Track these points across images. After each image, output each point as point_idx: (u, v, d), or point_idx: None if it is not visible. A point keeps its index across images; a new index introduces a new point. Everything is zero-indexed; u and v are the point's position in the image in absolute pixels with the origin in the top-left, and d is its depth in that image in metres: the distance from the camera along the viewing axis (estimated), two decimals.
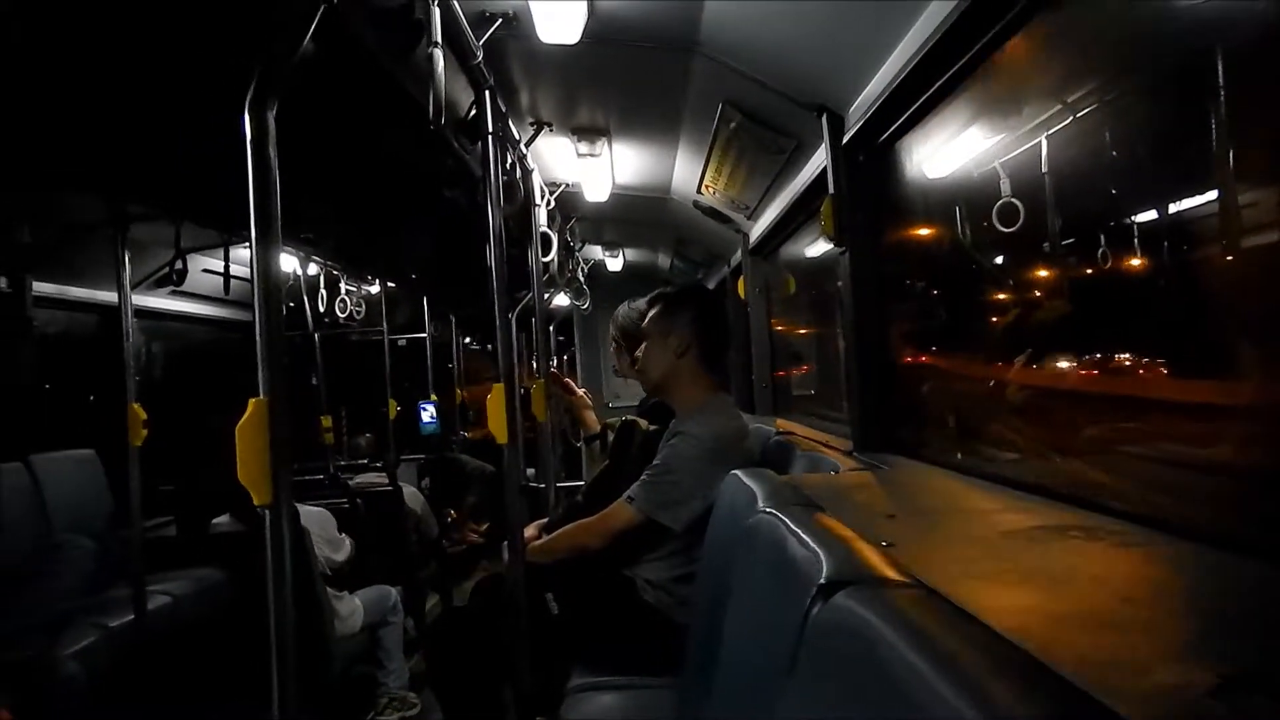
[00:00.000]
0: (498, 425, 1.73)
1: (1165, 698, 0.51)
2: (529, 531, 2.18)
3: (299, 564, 1.06)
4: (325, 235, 3.41)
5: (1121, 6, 1.16)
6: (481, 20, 1.80)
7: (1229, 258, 1.00)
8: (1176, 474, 1.05)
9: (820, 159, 2.04)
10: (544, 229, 2.75)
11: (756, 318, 3.52)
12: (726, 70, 2.01)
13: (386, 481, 4.04)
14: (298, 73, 1.05)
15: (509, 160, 2.25)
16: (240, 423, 0.98)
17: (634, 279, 5.13)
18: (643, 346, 2.04)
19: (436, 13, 1.49)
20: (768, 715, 0.74)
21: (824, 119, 1.90)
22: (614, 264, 5.21)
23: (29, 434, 3.10)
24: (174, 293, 3.85)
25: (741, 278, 3.54)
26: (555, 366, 5.25)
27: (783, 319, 3.55)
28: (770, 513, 1.01)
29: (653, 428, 2.25)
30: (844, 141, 1.86)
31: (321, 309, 4.48)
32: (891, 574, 0.73)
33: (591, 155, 2.82)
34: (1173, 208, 1.12)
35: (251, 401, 0.99)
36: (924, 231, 1.89)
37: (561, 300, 5.11)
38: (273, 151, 1.02)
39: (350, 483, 4.00)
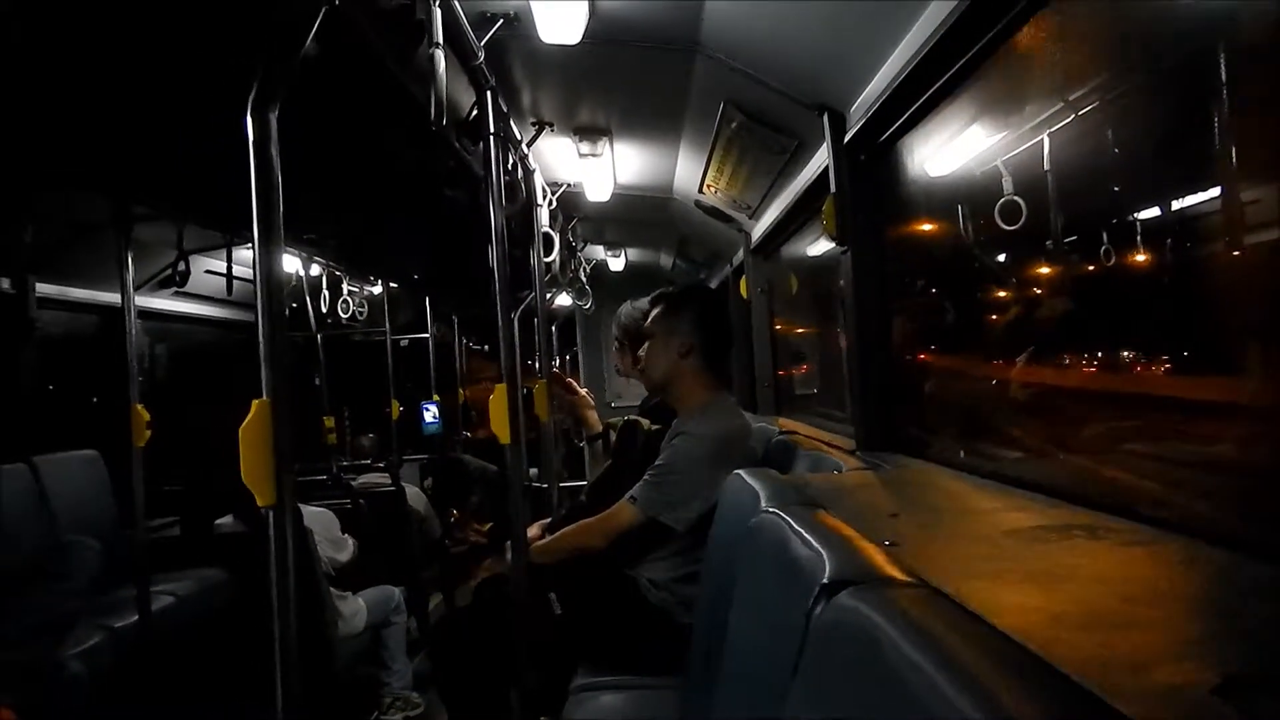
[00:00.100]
0: (500, 425, 1.73)
1: (1168, 697, 0.51)
2: (531, 531, 2.18)
3: (302, 564, 1.06)
4: (327, 236, 3.42)
5: (1123, 4, 1.16)
6: (483, 21, 1.81)
7: (1233, 254, 0.99)
8: (1178, 472, 1.05)
9: (822, 158, 2.04)
10: (546, 229, 2.75)
11: (759, 317, 3.52)
12: (728, 70, 2.01)
13: (389, 482, 4.05)
14: (300, 74, 1.05)
15: (510, 160, 2.25)
16: (243, 424, 0.98)
17: (636, 279, 5.13)
18: (645, 346, 2.04)
19: (438, 13, 1.49)
20: (771, 715, 0.74)
21: (825, 118, 1.90)
22: (616, 264, 5.21)
23: (32, 435, 3.11)
24: (177, 293, 3.86)
25: (743, 277, 3.54)
26: (557, 366, 5.25)
27: (785, 318, 3.55)
28: (773, 512, 1.01)
29: (655, 427, 2.25)
30: (845, 140, 1.86)
31: (324, 309, 4.49)
32: (894, 573, 0.73)
33: (593, 155, 2.82)
34: (1176, 205, 1.12)
35: (254, 402, 0.99)
36: (926, 230, 1.89)
37: (563, 300, 5.11)
38: (275, 152, 1.02)
39: (353, 483, 4.00)
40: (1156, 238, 1.15)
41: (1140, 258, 1.18)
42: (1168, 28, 1.08)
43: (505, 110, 2.03)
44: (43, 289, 3.17)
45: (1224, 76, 0.91)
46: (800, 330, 3.48)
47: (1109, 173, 1.29)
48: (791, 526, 0.91)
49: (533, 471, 4.31)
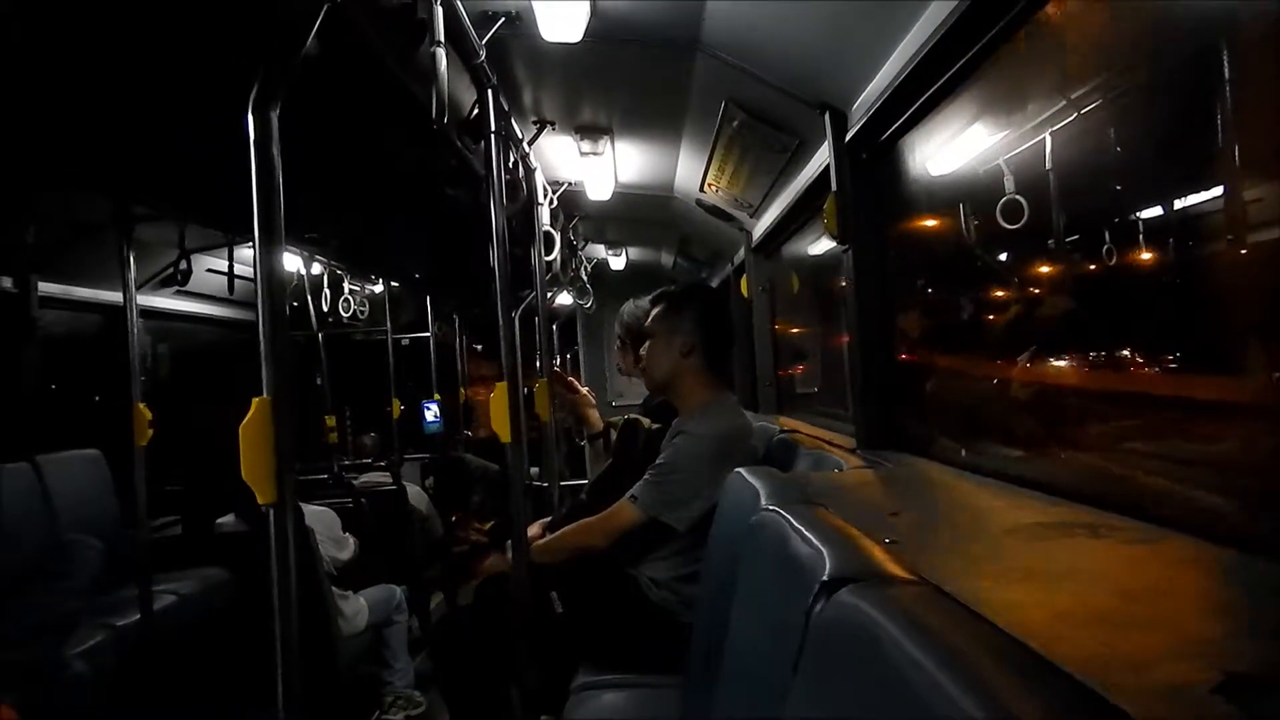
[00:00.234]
0: (501, 424, 1.73)
1: (1169, 695, 0.51)
2: (532, 530, 2.18)
3: (304, 563, 1.07)
4: (329, 235, 3.43)
5: (1124, 3, 1.15)
6: (484, 19, 1.81)
7: (1236, 253, 0.99)
8: (1179, 471, 1.05)
9: (823, 157, 2.04)
10: (547, 228, 2.75)
11: (760, 316, 3.52)
12: (729, 68, 2.01)
13: (390, 481, 4.06)
14: (301, 73, 1.05)
15: (511, 159, 2.25)
16: (244, 422, 0.98)
17: (637, 278, 5.13)
18: (646, 345, 2.04)
19: (439, 12, 1.49)
20: (773, 713, 0.74)
21: (827, 116, 1.89)
22: (617, 263, 5.21)
23: (35, 434, 3.11)
24: (179, 292, 3.87)
25: (744, 276, 3.54)
26: (558, 365, 5.25)
27: (786, 317, 3.55)
28: (773, 510, 1.01)
29: (655, 426, 2.25)
30: (847, 139, 1.86)
31: (325, 308, 4.49)
32: (894, 571, 0.73)
33: (594, 154, 2.82)
34: (1178, 203, 1.11)
35: (255, 401, 0.99)
36: (927, 229, 1.89)
37: (564, 299, 5.11)
38: (276, 151, 1.02)
39: (354, 482, 4.01)
40: (1159, 236, 1.15)
41: (1142, 256, 1.18)
42: (1169, 26, 1.08)
43: (506, 109, 2.03)
44: (45, 288, 3.17)
45: (1226, 74, 0.91)
46: (801, 329, 3.48)
47: (1111, 171, 1.28)
48: (792, 524, 0.91)
49: (534, 470, 4.31)
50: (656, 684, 1.70)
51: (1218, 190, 1.02)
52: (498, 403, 1.73)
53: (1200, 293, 1.10)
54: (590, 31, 1.84)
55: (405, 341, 5.61)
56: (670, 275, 5.15)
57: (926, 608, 0.63)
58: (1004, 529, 1.02)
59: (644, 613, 1.82)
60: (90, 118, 1.84)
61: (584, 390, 2.80)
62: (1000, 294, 1.66)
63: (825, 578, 0.72)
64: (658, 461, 1.86)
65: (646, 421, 2.38)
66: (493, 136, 1.79)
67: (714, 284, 4.45)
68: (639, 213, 3.92)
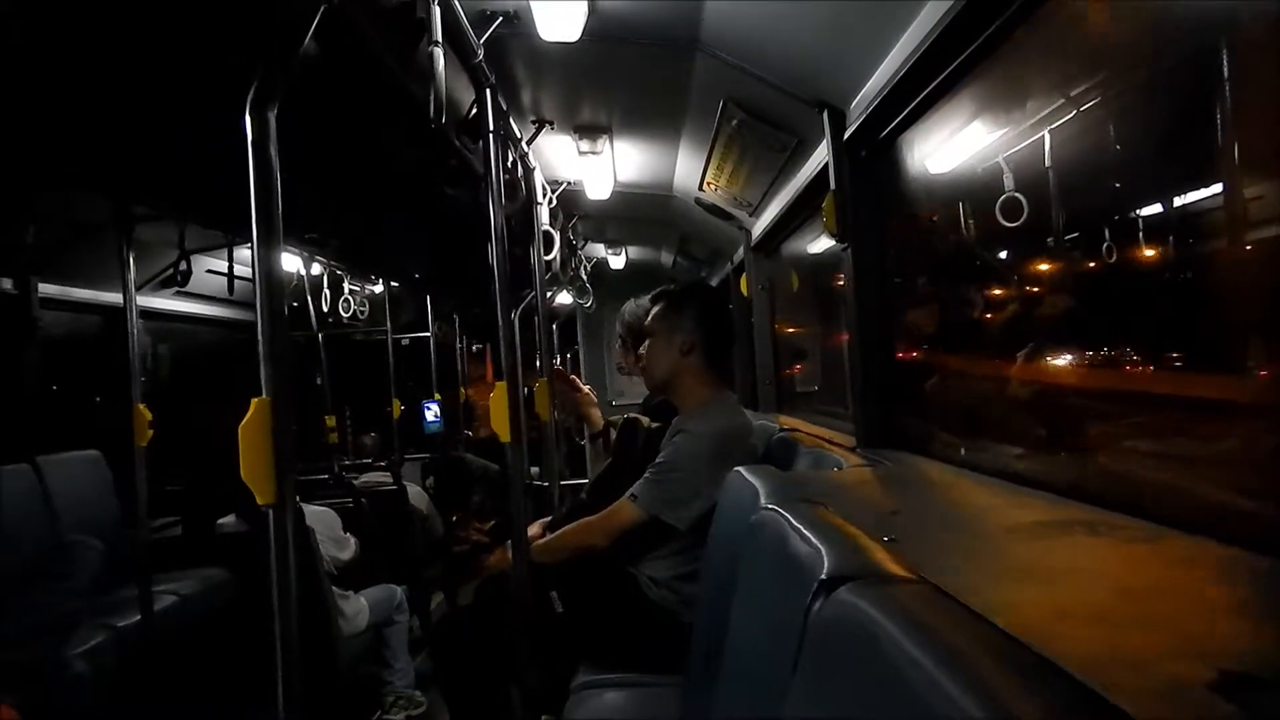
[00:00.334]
0: (501, 424, 1.73)
1: (1168, 693, 0.51)
2: (533, 530, 2.18)
3: (304, 563, 1.07)
4: (328, 235, 3.42)
5: (1122, 1, 1.15)
6: (482, 19, 1.81)
7: (1236, 251, 0.99)
8: (1179, 468, 1.05)
9: (822, 155, 2.03)
10: (546, 227, 2.75)
11: (759, 315, 3.52)
12: (727, 67, 2.01)
13: (391, 481, 4.06)
14: (299, 73, 1.05)
15: (510, 159, 2.25)
16: (243, 422, 0.98)
17: (637, 277, 5.13)
18: (646, 344, 2.04)
19: (437, 11, 1.49)
20: (773, 711, 0.74)
21: (825, 115, 1.89)
22: (616, 262, 5.21)
23: (35, 435, 3.12)
24: (178, 293, 3.87)
25: (744, 275, 3.54)
26: (559, 364, 5.25)
27: (786, 316, 3.55)
28: (772, 509, 1.01)
29: (655, 425, 2.25)
30: (845, 137, 1.86)
31: (325, 309, 4.49)
32: (893, 569, 0.73)
33: (593, 153, 2.82)
34: (1178, 201, 1.11)
35: (254, 401, 0.99)
36: (927, 227, 1.89)
37: (564, 299, 5.11)
38: (274, 151, 1.02)
39: (355, 482, 4.01)
40: (1158, 234, 1.15)
41: (1141, 254, 1.18)
42: (1167, 24, 1.08)
43: (505, 108, 2.03)
44: (45, 289, 3.18)
45: (1225, 72, 0.91)
46: (801, 328, 3.48)
47: (1110, 169, 1.28)
48: (790, 523, 0.91)
49: (534, 470, 4.31)
50: (656, 683, 1.70)
51: (1217, 188, 1.02)
52: (497, 402, 1.73)
53: (1199, 291, 1.10)
54: (588, 31, 1.84)
55: (405, 341, 5.61)
56: (670, 274, 5.15)
57: (925, 606, 0.63)
58: (1003, 527, 1.02)
59: (644, 612, 1.82)
60: (89, 118, 1.83)
61: (586, 389, 2.80)
62: (1000, 292, 1.66)
63: (824, 576, 0.72)
64: (657, 460, 1.86)
65: (646, 420, 2.38)
66: (491, 136, 1.78)
67: (713, 283, 4.45)
68: (638, 212, 3.92)
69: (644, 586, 1.84)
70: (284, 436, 1.00)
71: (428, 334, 5.52)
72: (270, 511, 1.01)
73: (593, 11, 1.80)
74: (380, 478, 4.17)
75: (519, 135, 2.40)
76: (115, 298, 3.05)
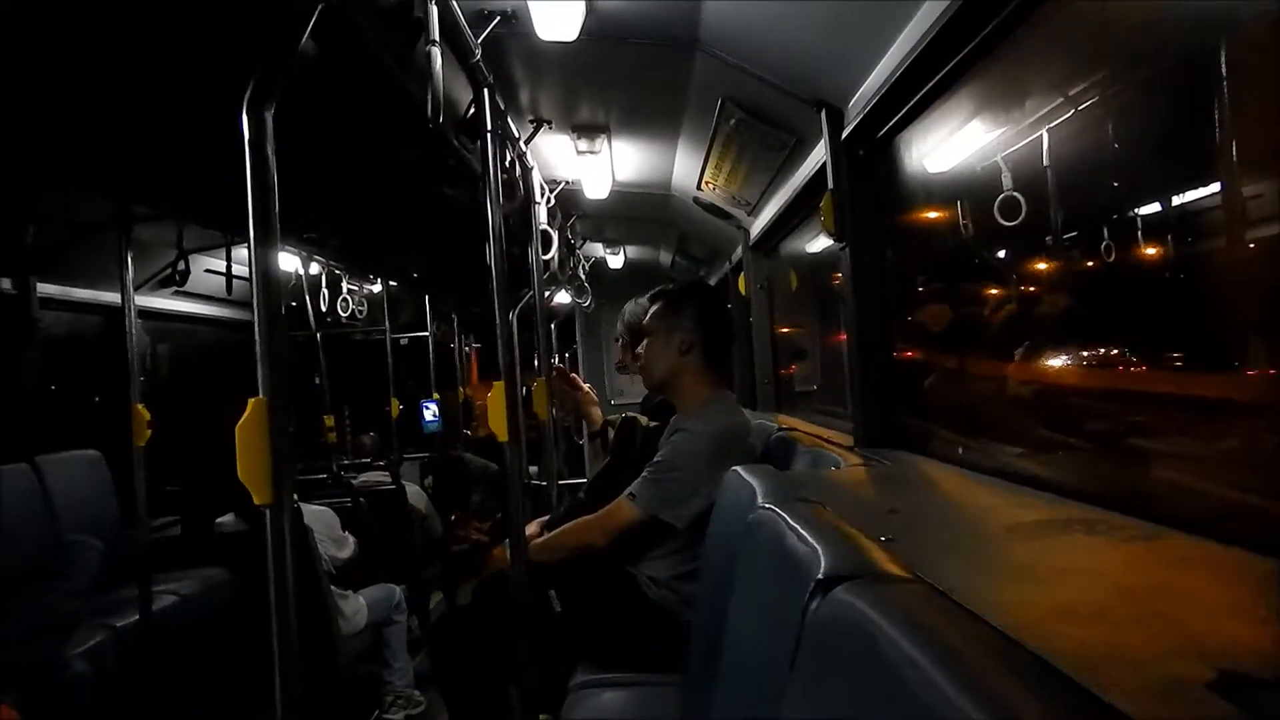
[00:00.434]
0: (499, 424, 1.73)
1: (1166, 692, 0.51)
2: (531, 529, 2.18)
3: (302, 563, 1.07)
4: (326, 234, 3.42)
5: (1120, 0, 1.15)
6: (480, 18, 1.80)
7: (1234, 249, 0.99)
8: (1177, 467, 1.05)
9: (820, 154, 2.03)
10: (544, 227, 2.75)
11: (758, 314, 3.52)
12: (726, 66, 2.01)
13: (390, 480, 4.05)
14: (296, 72, 1.05)
15: (508, 158, 2.24)
16: (240, 422, 0.98)
17: (635, 276, 5.13)
18: (645, 343, 2.04)
19: (434, 10, 1.48)
20: (771, 711, 0.74)
21: (823, 114, 1.89)
22: (615, 261, 5.21)
23: (34, 435, 3.11)
24: (177, 293, 3.87)
25: (743, 274, 3.54)
26: (559, 363, 5.25)
27: (784, 315, 3.55)
28: (770, 509, 1.01)
29: (653, 424, 2.25)
30: (843, 136, 1.86)
31: (324, 308, 4.49)
32: (890, 569, 0.73)
33: (591, 152, 2.81)
34: (1176, 200, 1.11)
35: (251, 401, 0.99)
36: (925, 226, 1.89)
37: (562, 298, 5.11)
38: (271, 151, 1.02)
39: (354, 482, 4.01)
40: (1156, 233, 1.15)
41: (1140, 253, 1.18)
42: (1165, 23, 1.08)
43: (503, 108, 2.03)
44: (44, 289, 3.17)
45: (1224, 71, 0.91)
46: (800, 327, 3.48)
47: (1108, 168, 1.28)
48: (788, 523, 0.91)
49: (532, 469, 4.31)
50: (655, 682, 1.70)
51: (1215, 187, 1.02)
52: (495, 402, 1.72)
53: (1198, 289, 1.10)
54: (586, 30, 1.83)
55: (404, 341, 5.61)
56: (668, 273, 5.15)
57: (922, 606, 0.63)
58: (1002, 527, 1.02)
59: (643, 611, 1.82)
60: (87, 118, 1.83)
61: (586, 387, 2.80)
62: (999, 291, 1.66)
63: (821, 576, 0.72)
64: (656, 459, 1.86)
65: (644, 420, 2.38)
66: (489, 135, 1.78)
67: (712, 282, 4.45)
68: (637, 211, 3.92)
69: (642, 585, 1.84)
70: (282, 436, 1.00)
71: (426, 333, 5.51)
72: (268, 511, 1.01)
73: (590, 11, 1.79)
74: (379, 477, 4.17)
75: (517, 135, 2.40)
76: (114, 297, 3.05)
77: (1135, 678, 0.53)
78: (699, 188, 3.08)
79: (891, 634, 0.56)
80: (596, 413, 2.72)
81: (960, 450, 1.61)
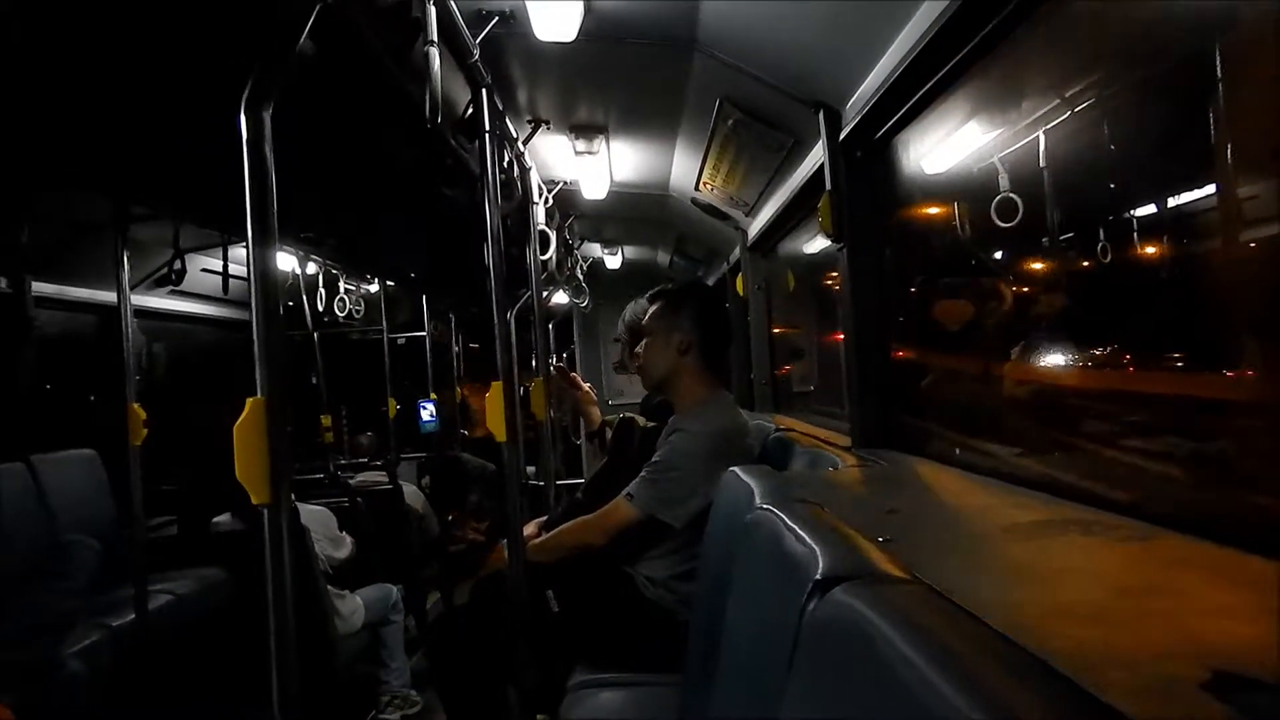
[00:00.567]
0: (497, 423, 1.73)
1: (1162, 692, 0.51)
2: (529, 529, 2.18)
3: (300, 563, 1.06)
4: (324, 234, 3.41)
5: (1118, 1, 1.15)
6: (478, 18, 1.80)
7: (1230, 250, 1.00)
8: (1174, 467, 1.05)
9: (818, 155, 2.03)
10: (542, 227, 2.75)
11: (756, 314, 3.52)
12: (724, 67, 2.01)
13: (387, 480, 4.05)
14: (295, 71, 1.04)
15: (506, 158, 2.25)
16: (238, 422, 0.98)
17: (633, 276, 5.13)
18: (643, 343, 2.04)
19: (433, 11, 1.48)
20: (769, 711, 0.74)
21: (821, 115, 1.89)
22: (613, 261, 5.21)
23: (30, 434, 3.10)
24: (173, 292, 3.86)
25: (740, 274, 3.54)
26: (555, 364, 5.25)
27: (782, 315, 3.55)
28: (767, 509, 1.01)
29: (651, 424, 2.25)
30: (841, 137, 1.86)
31: (321, 308, 4.48)
32: (888, 569, 0.73)
33: (589, 153, 2.81)
34: (1172, 201, 1.12)
35: (249, 400, 0.99)
36: (923, 227, 1.89)
37: (560, 298, 5.11)
38: (269, 150, 1.02)
39: (351, 481, 4.00)
40: (1153, 233, 1.15)
41: (1136, 253, 1.19)
42: (1162, 24, 1.08)
43: (501, 108, 2.03)
44: (40, 288, 3.16)
45: (1220, 73, 0.92)
46: (798, 328, 3.48)
47: (1105, 169, 1.29)
48: (785, 523, 0.91)
49: (530, 469, 4.31)
50: (653, 682, 1.70)
51: (1211, 188, 1.02)
52: (493, 402, 1.72)
53: (1194, 289, 1.10)
54: (584, 30, 1.83)
55: (401, 341, 5.60)
56: (666, 274, 5.15)
57: (920, 606, 0.63)
58: (999, 527, 1.02)
59: (640, 611, 1.82)
60: (85, 117, 1.83)
61: (586, 387, 2.80)
62: (996, 292, 1.66)
63: (819, 576, 0.72)
64: (654, 459, 1.86)
65: (642, 420, 2.39)
66: (487, 136, 1.78)
67: (710, 282, 4.45)
68: (635, 211, 3.92)
69: (640, 585, 1.84)
70: (279, 436, 1.00)
71: (424, 333, 5.51)
72: (266, 511, 1.01)
73: (589, 11, 1.79)
74: (376, 477, 4.16)
75: (515, 135, 2.40)
76: (110, 297, 3.04)
77: (1132, 678, 0.53)
78: (697, 188, 3.08)
79: (889, 634, 0.56)
80: (595, 413, 2.72)
81: (958, 451, 1.61)
